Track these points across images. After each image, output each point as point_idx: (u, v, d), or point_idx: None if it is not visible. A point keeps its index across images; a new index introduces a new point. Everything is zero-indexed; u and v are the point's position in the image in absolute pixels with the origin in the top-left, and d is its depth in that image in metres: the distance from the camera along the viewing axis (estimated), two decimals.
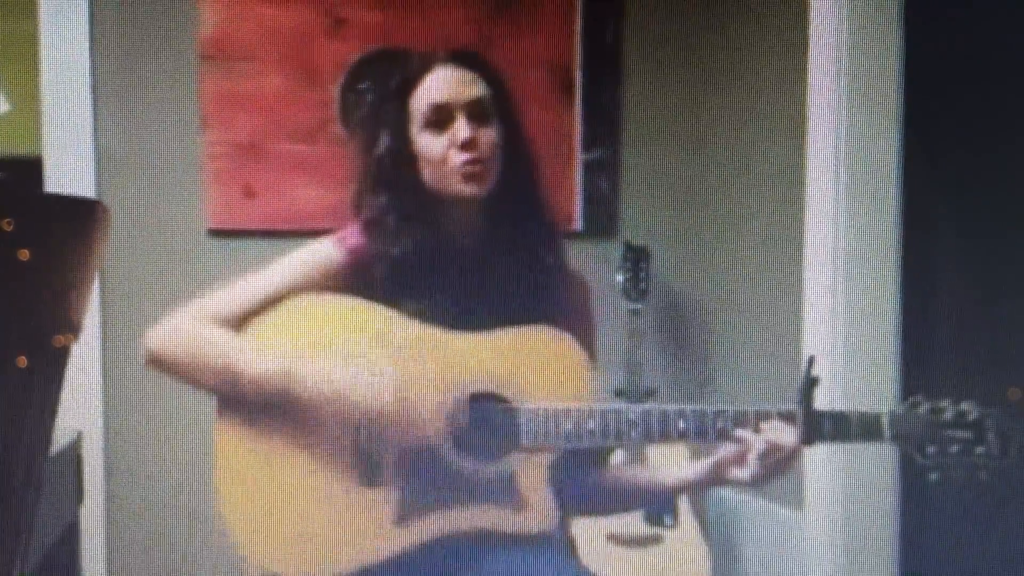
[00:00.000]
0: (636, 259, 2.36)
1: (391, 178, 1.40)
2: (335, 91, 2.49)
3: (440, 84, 1.38)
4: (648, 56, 2.66)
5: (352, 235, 1.42)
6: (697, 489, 1.45)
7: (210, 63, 2.44)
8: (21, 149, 2.97)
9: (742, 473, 1.32)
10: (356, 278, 1.39)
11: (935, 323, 2.08)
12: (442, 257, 1.39)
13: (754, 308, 2.38)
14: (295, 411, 1.32)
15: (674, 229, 2.65)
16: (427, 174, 1.39)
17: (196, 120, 2.45)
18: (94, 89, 2.41)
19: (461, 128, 1.36)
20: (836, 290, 2.06)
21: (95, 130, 2.41)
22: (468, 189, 1.37)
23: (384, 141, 1.39)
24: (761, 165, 2.36)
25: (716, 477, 1.37)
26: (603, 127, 2.60)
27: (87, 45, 2.40)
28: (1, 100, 4.13)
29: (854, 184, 2.04)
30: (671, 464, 1.47)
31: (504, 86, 1.43)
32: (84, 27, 2.39)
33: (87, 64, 2.40)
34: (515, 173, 1.41)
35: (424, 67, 1.40)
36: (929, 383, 1.37)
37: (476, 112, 1.38)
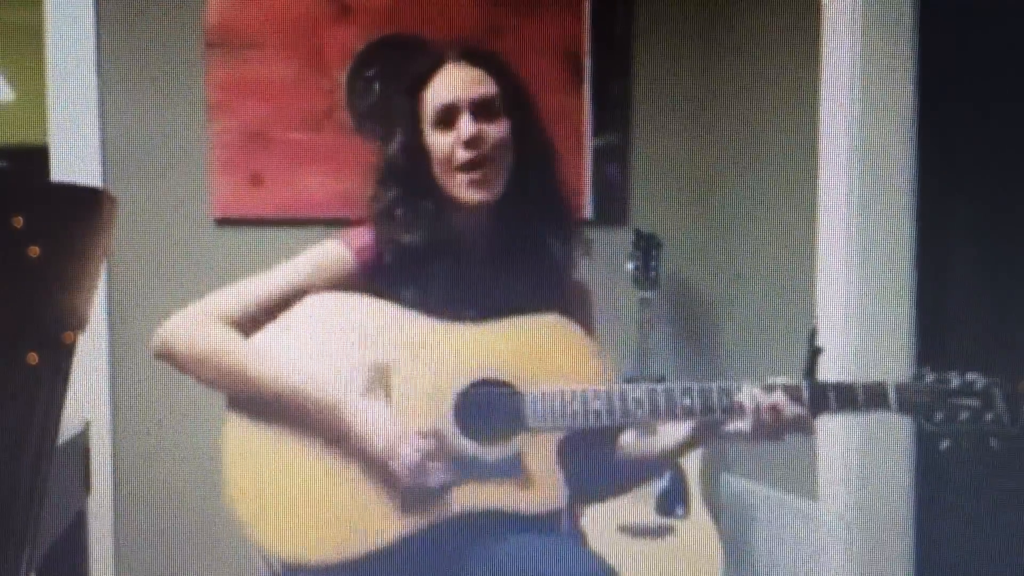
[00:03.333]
0: (646, 247, 2.35)
1: (403, 174, 1.41)
2: (342, 78, 2.48)
3: (449, 82, 1.40)
4: (658, 42, 2.64)
5: (360, 235, 1.43)
6: (698, 445, 1.45)
7: (216, 51, 2.43)
8: (26, 138, 2.96)
9: (742, 424, 1.33)
10: (364, 278, 1.40)
11: (950, 307, 2.06)
12: (451, 254, 1.40)
13: (765, 296, 2.36)
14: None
15: (685, 216, 2.63)
16: (437, 172, 1.40)
17: (202, 108, 2.44)
18: (100, 77, 2.40)
19: (465, 125, 1.37)
20: (849, 278, 2.04)
21: (101, 119, 2.41)
22: (475, 196, 1.39)
23: (398, 137, 1.41)
24: (773, 150, 2.34)
25: (715, 429, 1.38)
26: (613, 113, 2.59)
27: (93, 33, 2.39)
28: (6, 89, 4.13)
29: (867, 168, 2.02)
30: (669, 428, 1.47)
31: (516, 82, 1.43)
32: (90, 14, 2.38)
33: (93, 52, 2.39)
34: (528, 171, 1.42)
35: (436, 63, 1.41)
36: (946, 362, 1.37)
37: (481, 110, 1.39)
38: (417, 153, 1.40)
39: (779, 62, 2.32)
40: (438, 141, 1.39)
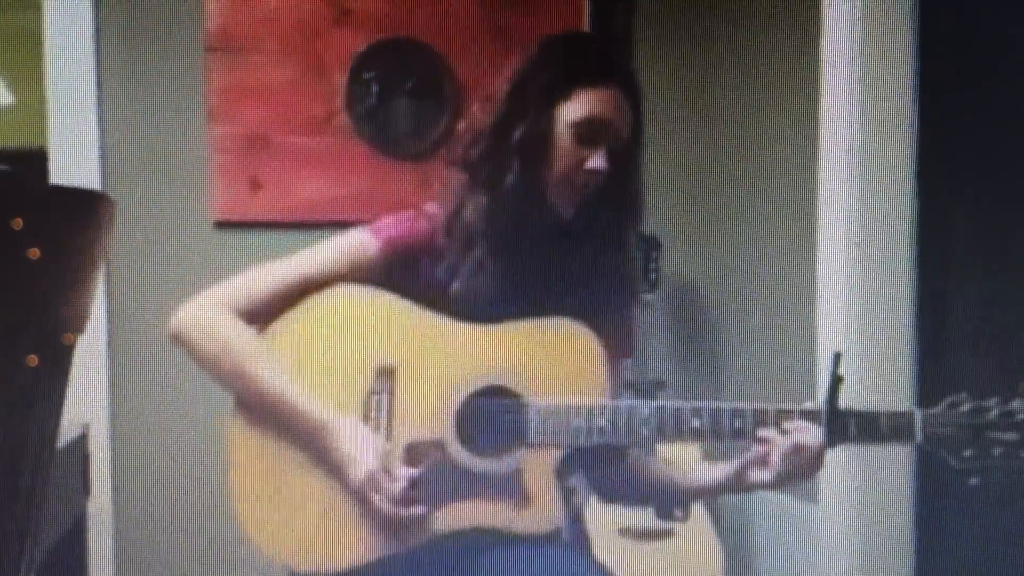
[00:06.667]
0: (646, 249, 2.34)
1: (530, 151, 1.34)
2: (342, 82, 2.47)
3: (612, 103, 1.34)
4: (658, 45, 2.64)
5: (388, 226, 1.40)
6: (718, 494, 1.41)
7: (216, 55, 2.43)
8: (26, 142, 2.96)
9: (764, 475, 1.30)
10: (388, 269, 1.37)
11: (951, 315, 2.06)
12: (508, 251, 1.36)
13: (766, 299, 2.36)
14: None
15: (685, 219, 2.63)
16: (552, 166, 1.34)
17: (202, 112, 2.44)
18: (99, 81, 2.40)
19: (600, 158, 1.33)
20: (850, 282, 2.04)
21: (100, 122, 2.41)
22: (564, 208, 1.35)
23: (544, 112, 1.34)
24: (773, 155, 2.34)
25: (738, 483, 1.34)
26: None
27: (92, 36, 2.39)
28: (6, 92, 4.12)
29: (868, 175, 2.02)
30: (693, 467, 1.44)
31: (640, 135, 1.40)
32: (89, 18, 2.38)
33: (92, 56, 2.39)
34: (607, 206, 1.39)
35: (605, 73, 1.36)
36: (946, 376, 1.35)
37: (616, 151, 1.35)
38: (547, 136, 1.34)
39: (780, 65, 2.32)
40: (569, 145, 1.33)
